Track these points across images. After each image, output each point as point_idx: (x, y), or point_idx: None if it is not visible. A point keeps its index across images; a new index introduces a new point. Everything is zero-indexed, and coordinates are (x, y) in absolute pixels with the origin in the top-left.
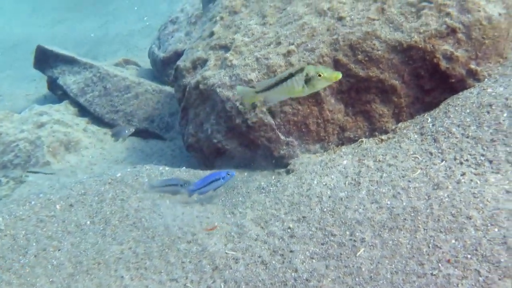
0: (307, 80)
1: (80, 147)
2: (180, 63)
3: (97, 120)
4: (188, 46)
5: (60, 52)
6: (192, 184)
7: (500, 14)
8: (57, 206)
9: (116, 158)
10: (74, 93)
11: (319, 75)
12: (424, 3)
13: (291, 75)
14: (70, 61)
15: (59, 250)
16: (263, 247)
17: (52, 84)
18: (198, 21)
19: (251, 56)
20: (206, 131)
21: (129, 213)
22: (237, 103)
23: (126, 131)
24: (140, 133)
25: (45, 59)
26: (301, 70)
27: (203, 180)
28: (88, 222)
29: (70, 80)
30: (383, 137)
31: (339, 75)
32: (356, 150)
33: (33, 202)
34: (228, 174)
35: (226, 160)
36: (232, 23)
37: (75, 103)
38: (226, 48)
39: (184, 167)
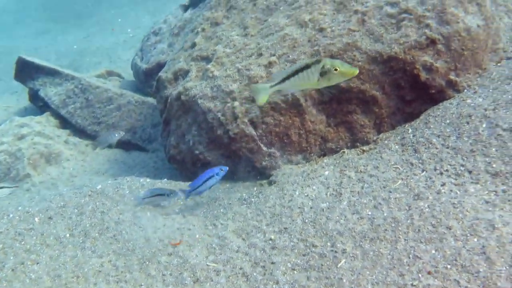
0: (323, 73)
1: (61, 159)
2: (162, 74)
3: (79, 132)
4: (170, 57)
5: (41, 64)
6: (177, 193)
7: (478, 26)
8: (36, 219)
9: (98, 170)
10: (56, 104)
11: (335, 69)
12: (404, 15)
13: (307, 66)
14: (51, 73)
15: (37, 263)
16: (244, 259)
17: (33, 96)
18: (181, 32)
19: (233, 67)
20: (188, 143)
21: (109, 225)
22: (219, 114)
23: (116, 135)
24: (123, 145)
25: (26, 71)
26: (318, 61)
27: (197, 179)
28: (68, 235)
29: (51, 92)
30: (365, 147)
31: (355, 71)
32: (338, 161)
33: (11, 215)
34: (222, 170)
35: None
36: (213, 34)
37: (56, 115)
38: (207, 59)
39: (165, 179)
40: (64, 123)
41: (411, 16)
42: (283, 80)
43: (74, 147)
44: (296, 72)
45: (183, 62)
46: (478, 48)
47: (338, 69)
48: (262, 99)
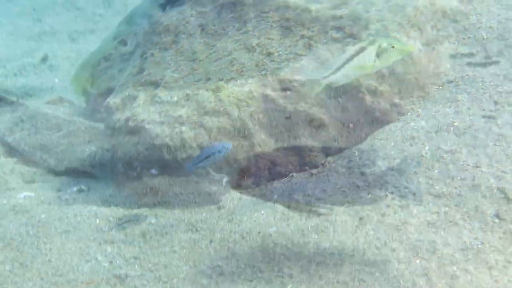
0: (379, 53)
1: (7, 189)
2: (110, 100)
3: (26, 160)
4: (119, 82)
5: None
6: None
7: (420, 50)
8: None
9: (45, 199)
10: (2, 132)
11: (393, 47)
12: (349, 39)
13: (362, 49)
14: None
15: None
16: (191, 287)
17: None
18: (131, 58)
19: (181, 92)
20: (136, 169)
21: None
22: (167, 139)
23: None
24: (71, 172)
25: None
26: (373, 42)
27: (200, 155)
28: None
29: None
30: (313, 171)
31: (413, 47)
32: (286, 185)
33: None
34: (224, 147)
35: (157, 198)
36: (162, 59)
37: (2, 142)
38: (156, 84)
39: (112, 206)
40: (11, 151)
41: (356, 41)
42: (335, 71)
43: (21, 176)
44: (350, 59)
45: (132, 88)
46: (420, 72)
47: (396, 46)
48: (315, 93)
